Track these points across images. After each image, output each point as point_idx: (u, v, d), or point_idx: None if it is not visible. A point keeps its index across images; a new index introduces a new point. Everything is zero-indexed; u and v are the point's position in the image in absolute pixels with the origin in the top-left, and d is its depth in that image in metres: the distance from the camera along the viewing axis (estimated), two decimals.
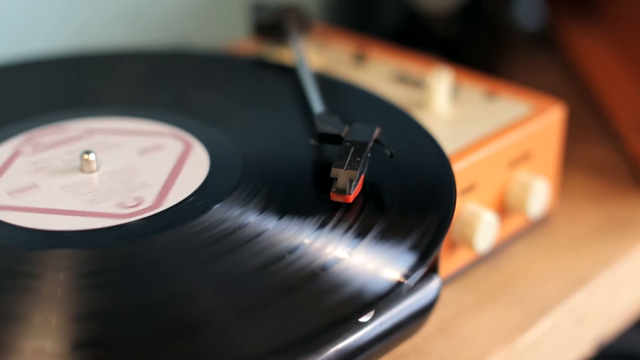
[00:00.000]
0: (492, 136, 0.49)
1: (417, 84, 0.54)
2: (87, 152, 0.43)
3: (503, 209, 0.50)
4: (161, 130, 0.46)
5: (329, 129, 0.43)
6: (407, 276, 0.36)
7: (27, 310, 0.35)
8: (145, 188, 0.41)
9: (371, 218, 0.39)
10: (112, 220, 0.39)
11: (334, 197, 0.40)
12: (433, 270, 0.40)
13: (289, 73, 0.52)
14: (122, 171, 0.43)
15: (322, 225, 0.38)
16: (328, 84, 0.51)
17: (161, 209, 0.40)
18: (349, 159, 0.40)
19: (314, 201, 0.40)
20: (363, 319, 0.35)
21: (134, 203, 0.40)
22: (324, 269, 0.36)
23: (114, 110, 0.48)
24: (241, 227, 0.38)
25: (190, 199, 0.40)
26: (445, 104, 0.52)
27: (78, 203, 0.41)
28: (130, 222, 0.39)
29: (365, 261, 0.37)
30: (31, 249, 0.38)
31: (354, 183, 0.40)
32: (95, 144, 0.45)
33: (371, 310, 0.35)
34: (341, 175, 0.40)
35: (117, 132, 0.46)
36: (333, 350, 0.34)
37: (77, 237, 0.38)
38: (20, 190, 0.42)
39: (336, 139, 0.42)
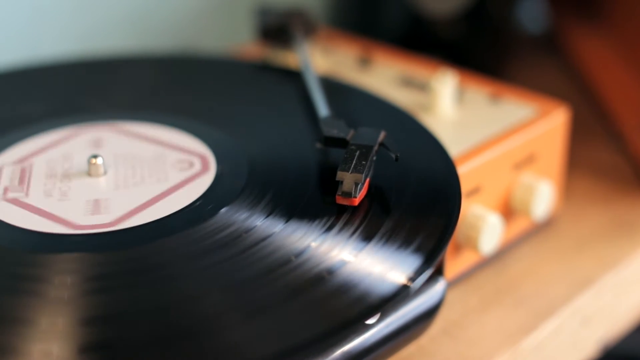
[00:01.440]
0: (496, 139, 0.49)
1: (422, 87, 0.54)
2: (95, 156, 0.43)
3: (508, 211, 0.50)
4: (169, 136, 0.46)
5: (334, 132, 0.43)
6: (412, 279, 0.37)
7: (33, 313, 0.35)
8: (153, 191, 0.42)
9: (377, 221, 0.39)
10: (119, 223, 0.39)
11: (340, 201, 0.40)
12: (438, 272, 0.40)
13: (295, 77, 0.52)
14: (129, 175, 0.43)
15: (328, 229, 0.39)
16: (333, 88, 0.51)
17: (168, 212, 0.40)
18: (354, 162, 0.41)
19: (320, 204, 0.40)
20: (369, 321, 0.35)
21: (141, 206, 0.41)
22: (330, 272, 0.37)
23: (120, 114, 0.49)
24: (248, 230, 0.39)
25: (197, 203, 0.41)
26: (450, 107, 0.52)
27: (126, 201, 0.41)
28: (137, 226, 0.39)
29: (371, 264, 0.37)
30: (37, 252, 0.38)
31: (359, 186, 0.40)
32: (103, 147, 0.46)
33: (377, 312, 0.35)
34: (347, 178, 0.40)
35: (123, 136, 0.46)
36: (339, 352, 0.34)
37: (83, 240, 0.39)
38: (27, 192, 0.42)
39: (342, 143, 0.43)
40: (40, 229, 0.39)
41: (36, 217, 0.40)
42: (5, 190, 0.42)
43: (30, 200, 0.42)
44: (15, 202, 0.41)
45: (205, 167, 0.43)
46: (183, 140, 0.46)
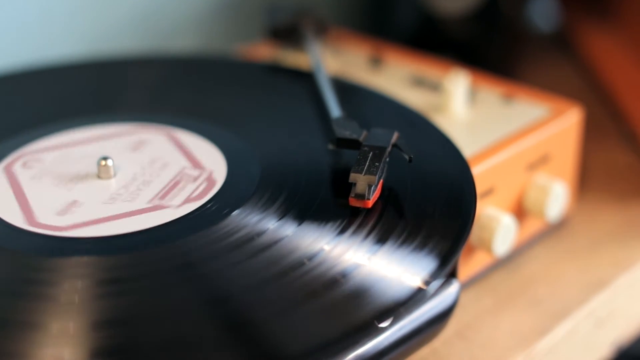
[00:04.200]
0: (509, 139, 0.49)
1: (434, 87, 0.54)
2: (105, 158, 0.43)
3: (521, 212, 0.50)
4: (180, 137, 0.46)
5: (347, 133, 0.43)
6: (427, 282, 0.36)
7: (44, 318, 0.35)
8: (163, 194, 0.41)
9: (390, 223, 0.39)
10: (129, 226, 0.39)
11: (353, 203, 0.40)
12: (452, 274, 0.40)
13: (306, 78, 0.52)
14: (139, 177, 0.43)
15: (341, 231, 0.38)
16: (345, 89, 0.51)
17: (179, 215, 0.40)
18: (367, 164, 0.40)
19: (332, 207, 0.40)
20: (382, 325, 0.35)
21: (151, 210, 0.40)
22: (343, 275, 0.36)
23: (131, 116, 0.48)
24: (260, 233, 0.38)
25: (209, 205, 0.40)
26: (463, 107, 0.52)
27: (94, 210, 0.41)
28: (148, 229, 0.39)
29: (385, 267, 0.37)
30: (48, 256, 0.38)
31: (372, 188, 0.40)
32: (113, 149, 0.45)
33: (391, 316, 0.35)
34: (360, 180, 0.40)
35: (134, 138, 0.46)
36: (353, 355, 0.34)
37: (94, 243, 0.38)
38: (34, 187, 0.42)
39: (354, 144, 0.42)
40: (5, 216, 0.40)
41: (15, 203, 0.41)
42: (24, 164, 0.43)
43: (27, 185, 0.42)
44: (10, 176, 0.42)
45: (216, 170, 0.43)
46: (198, 145, 0.45)
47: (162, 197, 0.41)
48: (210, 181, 0.43)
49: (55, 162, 0.44)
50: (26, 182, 0.42)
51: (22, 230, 0.39)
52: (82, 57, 0.57)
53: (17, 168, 0.44)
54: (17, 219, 0.40)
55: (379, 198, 0.40)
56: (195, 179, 0.43)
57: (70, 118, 0.48)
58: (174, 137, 0.46)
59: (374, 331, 0.35)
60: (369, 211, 0.40)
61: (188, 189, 0.42)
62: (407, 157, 0.42)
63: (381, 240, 0.38)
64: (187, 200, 0.41)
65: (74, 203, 0.41)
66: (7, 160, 0.45)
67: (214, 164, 0.44)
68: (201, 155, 0.45)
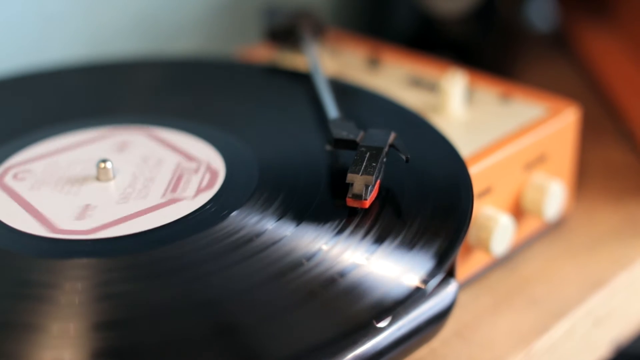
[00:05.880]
0: (507, 139, 0.49)
1: (432, 87, 0.54)
2: (104, 161, 0.43)
3: (519, 212, 0.50)
4: (179, 139, 0.46)
5: (344, 134, 0.43)
6: (425, 281, 0.36)
7: (44, 319, 0.35)
8: (161, 196, 0.41)
9: (388, 223, 0.39)
10: (129, 227, 0.39)
11: (350, 203, 0.40)
12: (450, 274, 0.40)
13: (303, 79, 0.52)
14: (138, 179, 0.43)
15: (339, 232, 0.38)
16: (342, 89, 0.51)
17: (177, 217, 0.40)
18: (364, 164, 0.40)
19: (330, 207, 0.40)
20: (381, 324, 0.35)
21: (167, 204, 0.40)
22: (342, 275, 0.36)
23: (131, 118, 0.49)
24: (259, 234, 0.38)
25: (208, 207, 0.40)
26: (460, 107, 0.52)
27: (111, 211, 0.41)
28: (148, 230, 0.39)
29: (383, 267, 0.37)
30: (48, 257, 0.38)
31: (370, 188, 0.40)
32: (111, 152, 0.45)
33: (389, 315, 0.35)
34: (357, 180, 0.40)
35: (134, 140, 0.46)
36: (351, 355, 0.34)
37: (95, 245, 0.39)
38: (36, 196, 0.42)
39: (351, 145, 0.42)
40: (22, 227, 0.40)
41: (26, 214, 0.40)
42: (15, 176, 0.43)
43: (29, 196, 0.42)
44: (12, 194, 0.42)
45: (211, 183, 0.43)
46: (195, 146, 0.45)
47: (174, 190, 0.42)
48: (212, 171, 0.43)
49: (47, 171, 0.44)
50: (26, 193, 0.42)
51: (48, 239, 0.39)
52: (81, 60, 0.57)
53: (9, 180, 0.43)
54: (36, 229, 0.40)
55: (376, 198, 0.40)
56: (196, 170, 0.43)
57: (64, 122, 0.48)
58: (163, 137, 0.46)
59: (373, 331, 0.35)
60: (366, 211, 0.40)
61: (194, 180, 0.42)
62: (404, 157, 0.42)
63: (379, 240, 0.38)
64: (199, 190, 0.41)
65: (86, 207, 0.41)
66: None
67: (211, 163, 0.44)
68: (197, 152, 0.45)
